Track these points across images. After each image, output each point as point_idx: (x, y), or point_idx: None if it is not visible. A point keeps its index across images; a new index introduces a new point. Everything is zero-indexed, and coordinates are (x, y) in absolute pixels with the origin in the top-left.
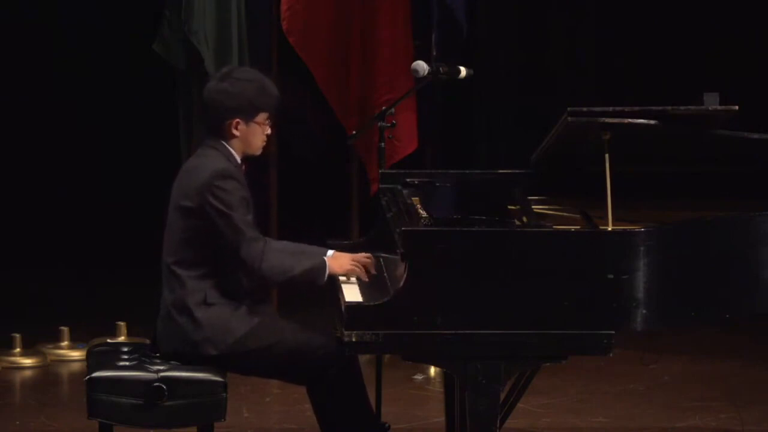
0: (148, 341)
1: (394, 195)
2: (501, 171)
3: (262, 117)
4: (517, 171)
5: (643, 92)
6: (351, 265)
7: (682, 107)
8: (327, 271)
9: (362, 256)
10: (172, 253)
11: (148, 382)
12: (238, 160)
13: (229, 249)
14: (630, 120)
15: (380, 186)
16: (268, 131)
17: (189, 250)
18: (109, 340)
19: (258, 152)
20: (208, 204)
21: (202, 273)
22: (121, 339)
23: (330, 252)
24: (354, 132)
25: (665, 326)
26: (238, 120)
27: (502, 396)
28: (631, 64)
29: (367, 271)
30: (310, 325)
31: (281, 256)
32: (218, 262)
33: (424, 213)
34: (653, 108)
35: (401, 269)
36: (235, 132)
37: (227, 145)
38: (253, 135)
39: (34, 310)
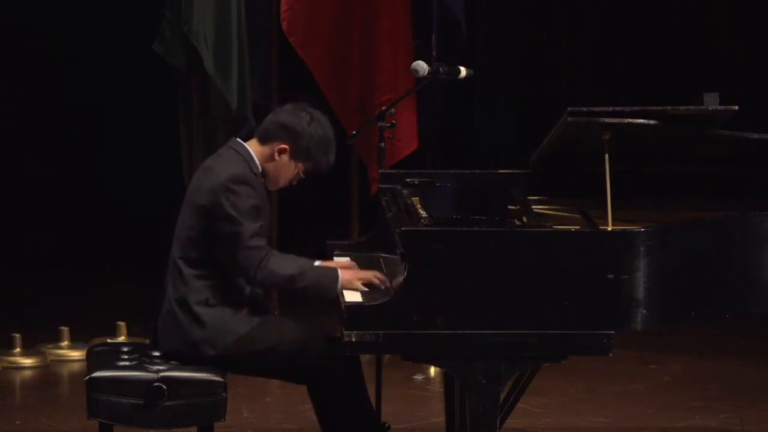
0: (148, 341)
1: (394, 195)
2: (501, 171)
3: (303, 165)
4: (517, 171)
5: (643, 92)
6: (361, 277)
7: (682, 107)
8: (339, 286)
9: (377, 275)
10: (179, 248)
11: (148, 382)
12: (259, 168)
13: (228, 254)
14: (630, 120)
15: (380, 186)
16: (294, 182)
17: (196, 249)
18: (109, 340)
19: (272, 188)
20: (219, 206)
21: (207, 273)
22: (121, 339)
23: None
24: (354, 132)
25: (665, 326)
26: (287, 147)
27: (502, 396)
28: (631, 64)
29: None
30: (310, 325)
31: (285, 265)
32: (223, 263)
33: (424, 213)
34: (653, 108)
35: (401, 269)
36: (276, 155)
37: (253, 153)
38: (286, 171)
39: (34, 310)
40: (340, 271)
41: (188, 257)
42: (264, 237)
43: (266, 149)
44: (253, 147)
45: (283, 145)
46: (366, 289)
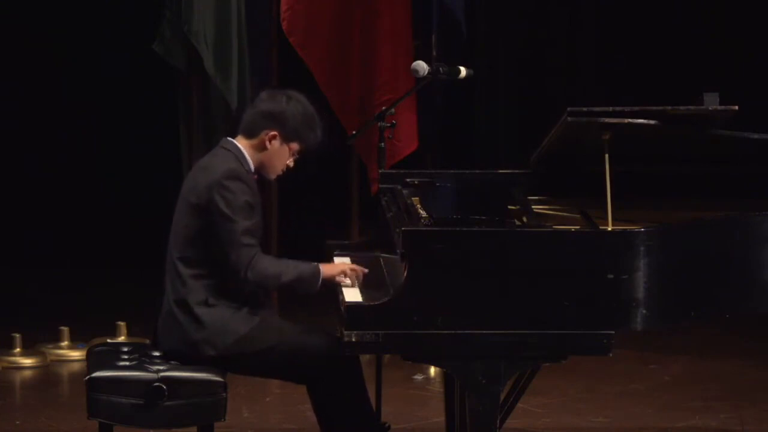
0: (148, 341)
1: (394, 195)
2: (501, 171)
3: (295, 146)
4: (517, 171)
5: (643, 92)
6: (343, 267)
7: (682, 107)
8: (321, 276)
9: (354, 266)
10: (177, 249)
11: (148, 382)
12: (252, 166)
13: (220, 252)
14: (630, 120)
15: (380, 186)
16: (291, 164)
17: (193, 249)
18: (109, 340)
19: (272, 177)
20: (213, 202)
21: (205, 273)
22: (121, 339)
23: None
24: (354, 132)
25: (665, 326)
26: (276, 134)
27: (502, 396)
28: (631, 64)
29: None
30: (310, 325)
31: (271, 264)
32: (221, 262)
33: (424, 213)
34: (653, 108)
35: (401, 269)
36: (267, 144)
37: (243, 150)
38: (280, 156)
39: (34, 310)
40: (320, 265)
41: (186, 257)
42: (257, 234)
43: (255, 142)
44: (241, 144)
45: (272, 132)
46: (346, 280)
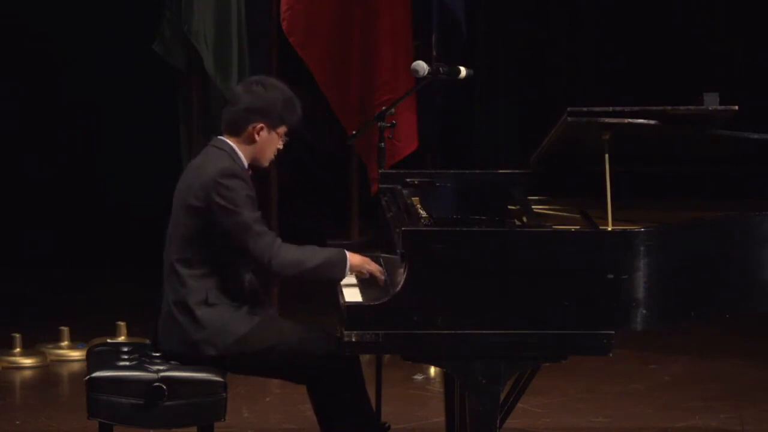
0: (148, 341)
1: (394, 195)
2: (501, 171)
3: (282, 130)
4: (517, 171)
5: (643, 92)
6: (371, 268)
7: (682, 107)
8: (348, 264)
9: (382, 270)
10: (175, 250)
11: (148, 382)
12: (245, 163)
13: (236, 247)
14: (630, 120)
15: (380, 186)
16: (281, 146)
17: (192, 249)
18: (109, 340)
19: (266, 164)
20: (214, 202)
21: (204, 272)
22: (121, 339)
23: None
24: (354, 132)
25: (665, 326)
26: (262, 125)
27: (502, 396)
28: (631, 64)
29: (379, 278)
30: (310, 325)
31: (294, 250)
32: (221, 261)
33: (424, 213)
34: (653, 108)
35: (401, 269)
36: (256, 136)
37: (235, 147)
38: (270, 144)
39: (34, 310)
40: (348, 253)
41: (184, 258)
42: (265, 225)
43: (243, 137)
44: (230, 141)
45: (259, 125)
46: (369, 273)
